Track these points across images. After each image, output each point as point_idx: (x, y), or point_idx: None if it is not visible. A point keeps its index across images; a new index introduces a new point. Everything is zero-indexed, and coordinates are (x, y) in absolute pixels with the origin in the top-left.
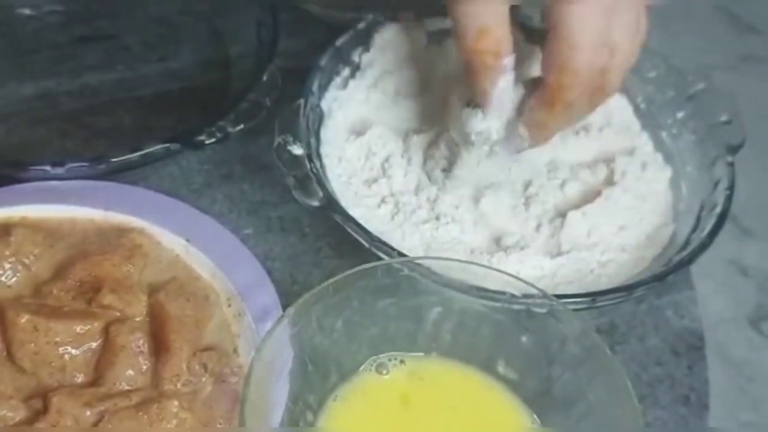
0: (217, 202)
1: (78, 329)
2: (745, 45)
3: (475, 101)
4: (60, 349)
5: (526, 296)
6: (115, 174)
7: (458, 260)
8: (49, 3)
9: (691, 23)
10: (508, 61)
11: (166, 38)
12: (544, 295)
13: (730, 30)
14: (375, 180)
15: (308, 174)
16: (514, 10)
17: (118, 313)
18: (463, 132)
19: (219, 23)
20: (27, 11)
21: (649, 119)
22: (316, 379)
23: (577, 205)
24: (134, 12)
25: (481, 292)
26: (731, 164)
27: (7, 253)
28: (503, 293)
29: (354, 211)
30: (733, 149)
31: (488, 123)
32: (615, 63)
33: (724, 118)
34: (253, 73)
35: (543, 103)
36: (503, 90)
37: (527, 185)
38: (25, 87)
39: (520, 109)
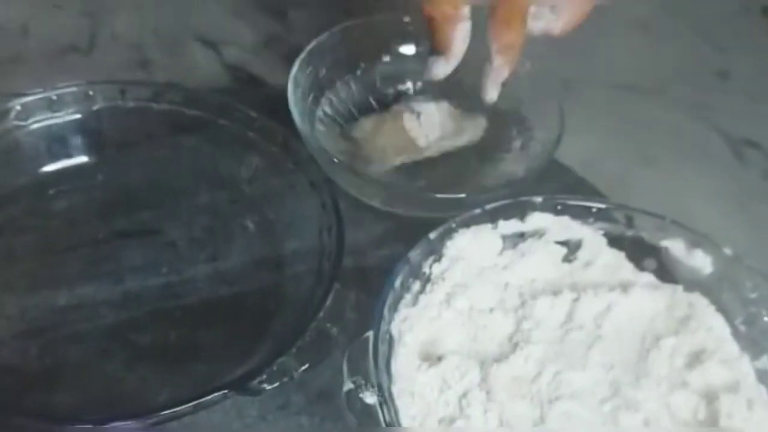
0: None
1: None
2: None
3: (437, 50)
4: None
5: None
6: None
7: None
8: (85, 191)
9: None
10: (465, 10)
11: (213, 233)
12: None
13: None
14: (452, 420)
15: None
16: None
17: None
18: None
19: (273, 216)
20: (62, 202)
21: (750, 344)
22: None
23: None
24: (179, 201)
25: None
26: None
27: None
28: None
29: None
30: None
31: (451, 66)
32: None
33: None
34: (311, 274)
35: (503, 22)
36: (463, 35)
37: (618, 423)
38: (60, 295)
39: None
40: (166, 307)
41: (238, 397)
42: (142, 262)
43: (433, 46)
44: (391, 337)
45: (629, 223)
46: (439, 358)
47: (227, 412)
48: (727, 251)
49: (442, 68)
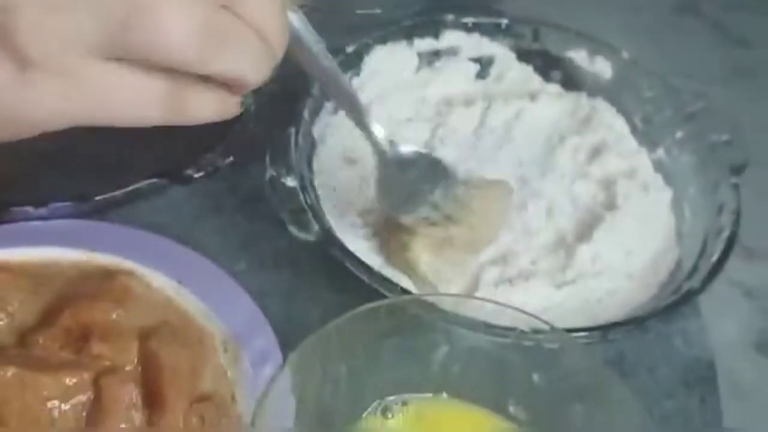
0: (207, 237)
1: (67, 381)
2: (736, 59)
3: None
4: (48, 404)
5: (536, 332)
6: (99, 212)
7: (464, 295)
8: None
9: (682, 39)
10: None
11: None
12: (555, 330)
13: (720, 45)
14: (369, 211)
15: (303, 207)
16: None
17: (107, 363)
18: None
19: None
20: None
21: (647, 139)
22: (320, 426)
23: (580, 231)
24: None
25: (490, 329)
26: (736, 186)
27: None
28: (513, 329)
29: (351, 245)
30: (737, 170)
31: None
32: None
33: (724, 137)
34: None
35: None
36: None
37: (525, 209)
38: None
39: None
40: (101, 129)
41: (173, 198)
42: None
43: None
44: (313, 138)
45: (535, 37)
46: (359, 161)
47: (162, 213)
48: (625, 55)
49: None
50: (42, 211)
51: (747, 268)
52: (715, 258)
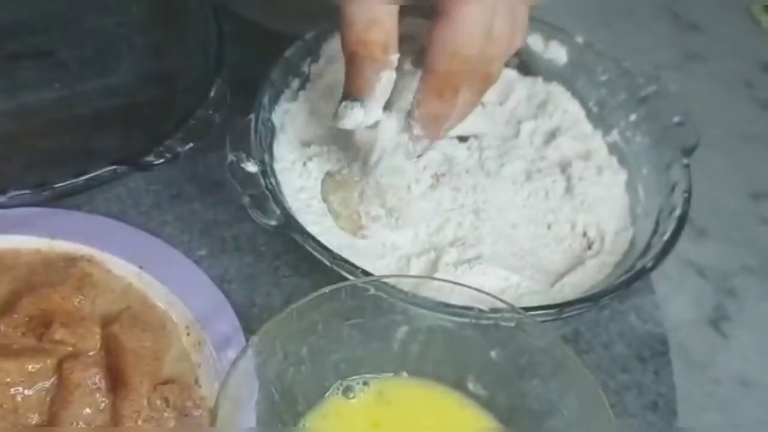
0: (167, 224)
1: (29, 368)
2: (689, 44)
3: (354, 95)
4: (12, 389)
5: (493, 311)
6: (59, 199)
7: (424, 276)
8: None
9: (635, 23)
10: (394, 57)
11: (104, 52)
12: (512, 309)
13: (673, 29)
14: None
15: (264, 192)
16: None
17: (70, 348)
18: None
19: (160, 36)
20: None
21: (601, 122)
22: (283, 407)
23: (537, 214)
24: (69, 26)
25: (449, 309)
26: (687, 166)
27: None
28: (471, 309)
29: (312, 228)
30: (688, 151)
31: (371, 114)
32: (498, 52)
33: (676, 119)
34: (198, 87)
35: (433, 92)
36: (386, 84)
37: (484, 192)
38: None
39: (410, 112)
40: (60, 117)
41: (132, 186)
42: (35, 79)
43: (349, 90)
44: (272, 124)
45: None
46: (321, 145)
47: (123, 201)
48: (580, 40)
49: (356, 117)
50: (1, 199)
51: (699, 248)
52: (667, 236)
